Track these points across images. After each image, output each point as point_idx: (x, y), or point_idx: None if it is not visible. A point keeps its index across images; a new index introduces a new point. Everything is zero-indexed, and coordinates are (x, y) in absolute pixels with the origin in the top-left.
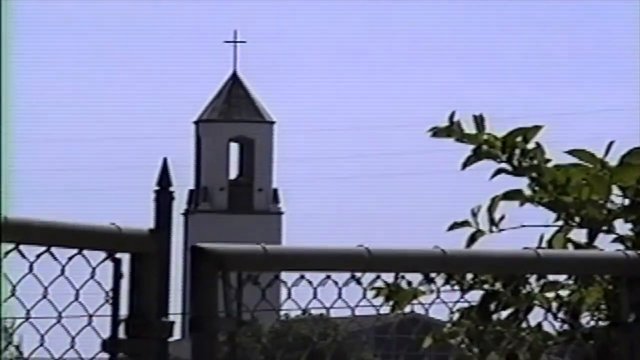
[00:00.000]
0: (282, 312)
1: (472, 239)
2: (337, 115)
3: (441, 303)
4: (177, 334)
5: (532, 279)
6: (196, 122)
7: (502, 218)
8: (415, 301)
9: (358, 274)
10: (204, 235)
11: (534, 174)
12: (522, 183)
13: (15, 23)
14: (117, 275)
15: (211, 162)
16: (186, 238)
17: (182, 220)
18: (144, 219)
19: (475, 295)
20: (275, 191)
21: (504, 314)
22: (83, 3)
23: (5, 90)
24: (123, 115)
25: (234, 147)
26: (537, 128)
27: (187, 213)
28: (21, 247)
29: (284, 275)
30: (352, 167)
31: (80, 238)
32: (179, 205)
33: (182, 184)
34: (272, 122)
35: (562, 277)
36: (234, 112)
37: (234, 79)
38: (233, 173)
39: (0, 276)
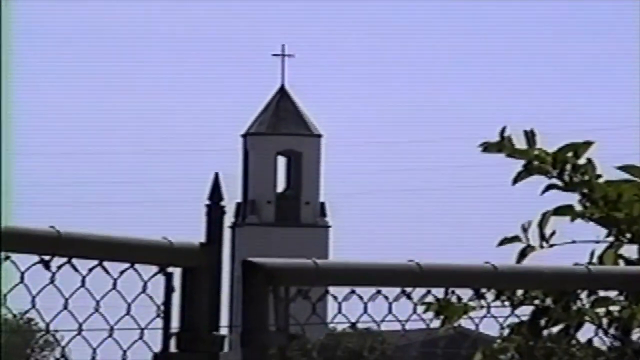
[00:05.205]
0: (330, 326)
1: (523, 254)
2: (385, 128)
3: (491, 318)
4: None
5: (583, 294)
6: (244, 135)
7: (552, 234)
8: (465, 316)
9: (408, 289)
10: (252, 248)
11: (585, 190)
12: (573, 199)
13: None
14: (169, 289)
15: (259, 175)
16: (233, 251)
17: (230, 233)
18: (193, 232)
19: (525, 311)
20: (322, 204)
21: (555, 329)
22: (132, 14)
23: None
24: (172, 129)
25: (282, 161)
26: (588, 144)
27: (235, 226)
28: (74, 260)
29: (333, 289)
30: (400, 181)
31: (132, 252)
32: (227, 218)
33: (230, 197)
34: (320, 136)
35: (613, 293)
36: (281, 125)
37: (282, 92)
38: (280, 186)
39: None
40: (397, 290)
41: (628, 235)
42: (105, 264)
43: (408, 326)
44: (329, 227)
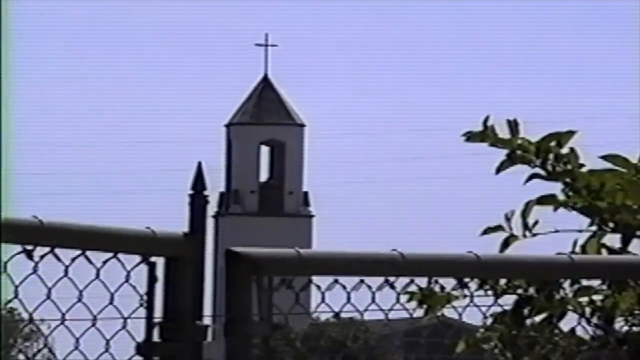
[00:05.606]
0: (313, 316)
1: (506, 243)
2: (368, 118)
3: (474, 308)
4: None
5: (566, 284)
6: (227, 125)
7: (535, 223)
8: (448, 306)
9: (392, 279)
10: (235, 237)
11: (568, 179)
12: (556, 188)
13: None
14: (152, 279)
15: (242, 165)
16: (217, 240)
17: (213, 222)
18: (176, 222)
19: (508, 300)
20: (305, 194)
21: (538, 319)
22: (114, 5)
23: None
24: (154, 119)
25: (265, 150)
26: (571, 133)
27: (218, 215)
28: (57, 250)
29: (316, 279)
30: (383, 171)
31: (115, 242)
32: (210, 207)
33: (213, 187)
34: (303, 125)
35: (595, 283)
36: (264, 115)
37: (265, 82)
38: (264, 176)
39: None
40: (381, 279)
41: (611, 225)
42: (88, 253)
43: (391, 315)
44: (312, 216)
